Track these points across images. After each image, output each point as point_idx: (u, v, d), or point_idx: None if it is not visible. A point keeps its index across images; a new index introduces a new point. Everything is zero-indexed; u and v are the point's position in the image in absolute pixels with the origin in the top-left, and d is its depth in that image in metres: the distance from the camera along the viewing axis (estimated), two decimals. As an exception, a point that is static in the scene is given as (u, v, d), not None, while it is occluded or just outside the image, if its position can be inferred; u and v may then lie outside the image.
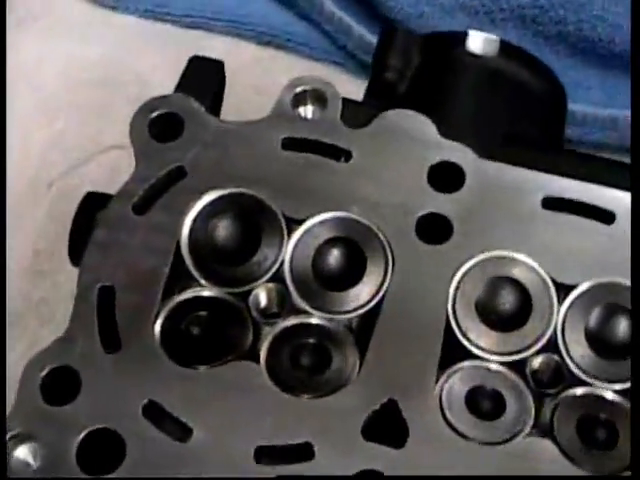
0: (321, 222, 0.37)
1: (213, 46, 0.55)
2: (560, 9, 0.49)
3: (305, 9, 0.53)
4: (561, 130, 0.43)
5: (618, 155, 0.51)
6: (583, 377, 0.36)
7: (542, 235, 0.37)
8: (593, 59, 0.50)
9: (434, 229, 0.37)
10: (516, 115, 0.41)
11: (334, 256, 0.37)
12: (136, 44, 0.55)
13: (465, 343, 0.36)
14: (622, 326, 0.36)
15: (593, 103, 0.50)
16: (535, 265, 0.36)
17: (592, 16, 0.48)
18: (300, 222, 0.37)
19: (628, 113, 0.50)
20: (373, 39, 0.50)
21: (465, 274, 0.36)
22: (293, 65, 0.54)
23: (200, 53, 0.55)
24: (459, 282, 0.36)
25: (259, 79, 0.54)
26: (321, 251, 0.37)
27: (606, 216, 0.37)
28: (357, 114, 0.39)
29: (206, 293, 0.36)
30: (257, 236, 0.37)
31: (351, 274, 0.37)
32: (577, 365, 0.36)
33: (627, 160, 0.50)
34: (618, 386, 0.36)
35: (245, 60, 0.55)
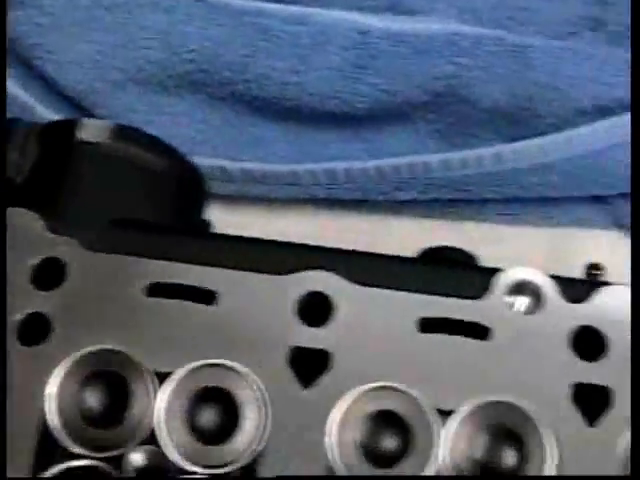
0: None
1: None
2: (225, 71, 0.48)
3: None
4: (196, 209, 0.43)
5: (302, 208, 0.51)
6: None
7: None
8: (269, 115, 0.50)
9: (36, 329, 0.37)
10: (135, 200, 0.40)
11: None
12: None
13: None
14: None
15: (278, 158, 0.50)
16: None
17: (258, 75, 0.48)
18: None
19: (309, 166, 0.49)
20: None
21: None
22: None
23: None
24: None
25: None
26: None
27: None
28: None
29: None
30: None
31: None
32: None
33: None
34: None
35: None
